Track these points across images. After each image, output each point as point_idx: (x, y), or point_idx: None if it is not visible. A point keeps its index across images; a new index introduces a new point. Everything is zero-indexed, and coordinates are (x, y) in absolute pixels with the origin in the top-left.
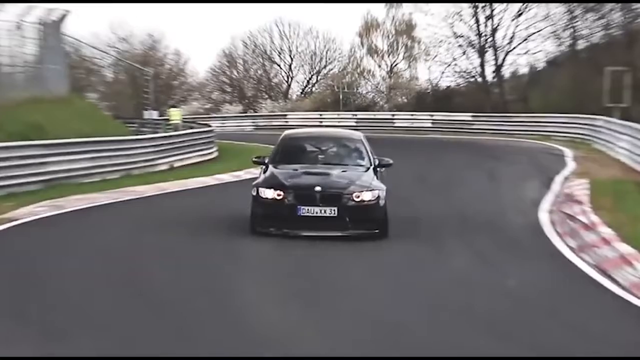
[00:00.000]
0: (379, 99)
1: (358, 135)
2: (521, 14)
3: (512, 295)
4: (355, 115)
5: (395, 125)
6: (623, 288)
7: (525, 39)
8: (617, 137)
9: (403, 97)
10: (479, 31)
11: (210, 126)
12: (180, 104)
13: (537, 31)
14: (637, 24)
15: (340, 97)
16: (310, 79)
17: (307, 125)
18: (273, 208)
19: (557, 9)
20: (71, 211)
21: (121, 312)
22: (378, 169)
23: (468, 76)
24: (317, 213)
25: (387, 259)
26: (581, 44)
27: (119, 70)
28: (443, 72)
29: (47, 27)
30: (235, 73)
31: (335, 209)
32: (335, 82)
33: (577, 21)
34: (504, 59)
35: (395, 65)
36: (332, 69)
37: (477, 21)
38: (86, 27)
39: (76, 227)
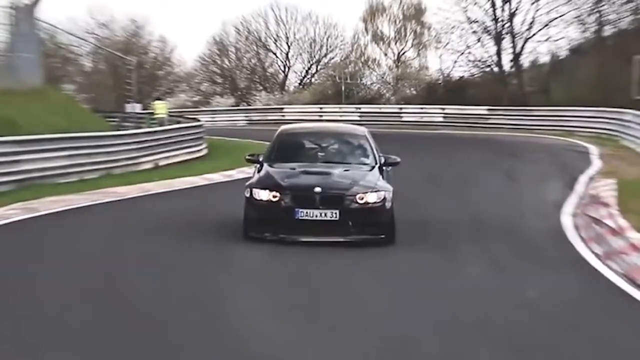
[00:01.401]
0: (385, 91)
1: (362, 130)
2: None
3: (532, 308)
4: (359, 108)
5: (403, 119)
6: None
7: (547, 25)
8: None
9: (411, 89)
10: (495, 16)
11: (199, 121)
12: (166, 96)
13: (560, 16)
14: None
15: (343, 88)
16: (309, 68)
17: (306, 120)
18: (268, 211)
19: None
20: (46, 214)
21: (101, 325)
22: (384, 167)
23: (483, 66)
24: (316, 216)
25: (393, 268)
26: (608, 30)
27: (98, 59)
28: (456, 61)
29: (19, 11)
30: (227, 62)
31: (337, 212)
32: (336, 72)
33: (603, 5)
34: (522, 47)
35: (403, 53)
36: (333, 58)
37: (493, 5)
38: (62, 12)
39: (51, 232)
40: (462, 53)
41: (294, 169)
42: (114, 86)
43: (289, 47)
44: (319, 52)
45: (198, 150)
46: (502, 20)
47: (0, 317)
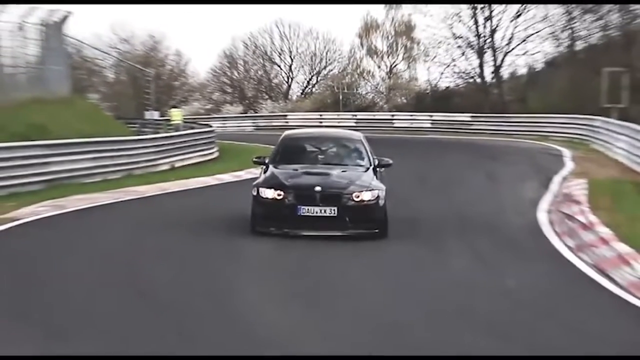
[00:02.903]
0: (378, 100)
1: (358, 135)
2: (520, 15)
3: (511, 296)
4: (355, 115)
5: (395, 125)
6: (621, 287)
7: (524, 40)
8: (615, 138)
9: (402, 98)
10: (477, 32)
11: (211, 126)
12: (181, 104)
13: (536, 32)
14: (635, 25)
15: (340, 97)
16: (310, 79)
17: (307, 126)
18: (273, 208)
19: (556, 10)
20: (73, 211)
21: (122, 312)
22: (378, 169)
23: (467, 77)
24: (317, 213)
25: (386, 259)
26: (579, 45)
27: (120, 71)
28: (442, 73)
29: (49, 28)
30: (236, 74)
31: (335, 208)
32: (335, 83)
33: (575, 22)
34: (502, 60)
35: (395, 66)
36: (332, 70)
37: (476, 22)
38: (88, 28)
39: (77, 227)
40: (448, 65)
41: (297, 170)
42: (134, 95)
43: (292, 60)
44: (319, 64)
45: (210, 153)
46: (484, 36)
47: (31, 304)
